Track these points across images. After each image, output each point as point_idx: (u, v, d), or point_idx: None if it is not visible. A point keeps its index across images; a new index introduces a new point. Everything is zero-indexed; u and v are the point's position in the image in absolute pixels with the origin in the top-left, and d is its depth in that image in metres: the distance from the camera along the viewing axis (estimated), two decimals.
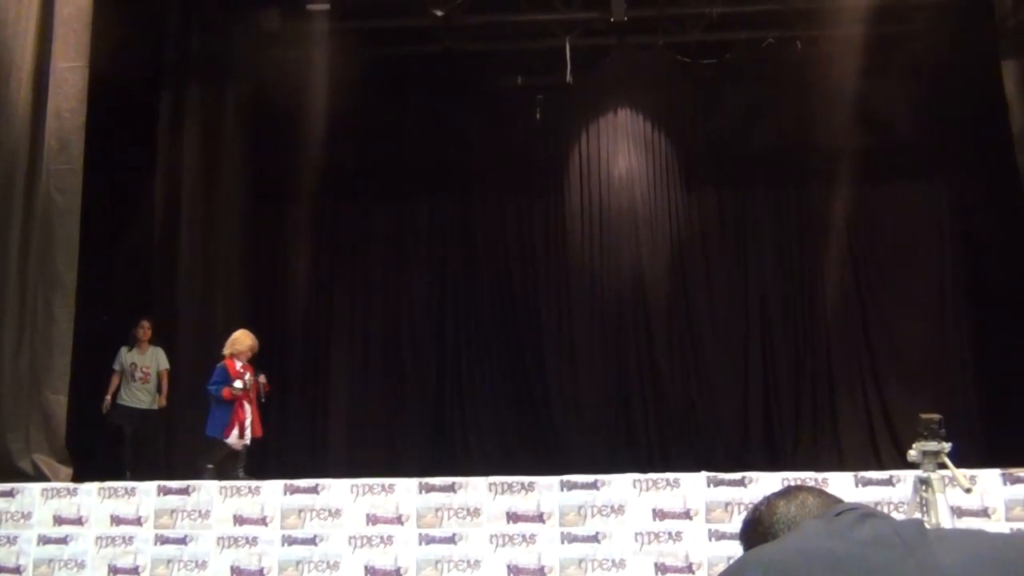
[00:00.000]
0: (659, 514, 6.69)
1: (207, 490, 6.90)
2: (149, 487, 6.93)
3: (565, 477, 6.77)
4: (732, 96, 10.71)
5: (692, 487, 6.70)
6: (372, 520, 6.77)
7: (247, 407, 8.26)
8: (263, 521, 6.81)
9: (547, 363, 10.32)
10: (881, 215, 10.34)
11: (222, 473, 7.84)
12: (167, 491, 6.91)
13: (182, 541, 6.77)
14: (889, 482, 6.32)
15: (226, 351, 8.36)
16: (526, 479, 6.80)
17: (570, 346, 10.29)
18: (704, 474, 6.76)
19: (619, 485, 6.72)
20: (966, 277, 10.05)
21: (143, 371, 8.93)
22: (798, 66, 10.25)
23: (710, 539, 6.57)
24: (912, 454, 4.63)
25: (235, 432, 8.13)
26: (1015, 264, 9.06)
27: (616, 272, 10.38)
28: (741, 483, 6.63)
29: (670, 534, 6.59)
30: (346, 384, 10.43)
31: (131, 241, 9.75)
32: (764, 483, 6.46)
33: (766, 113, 10.70)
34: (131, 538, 6.79)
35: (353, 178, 10.62)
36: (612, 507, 6.69)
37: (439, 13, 9.78)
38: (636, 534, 6.61)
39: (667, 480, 6.74)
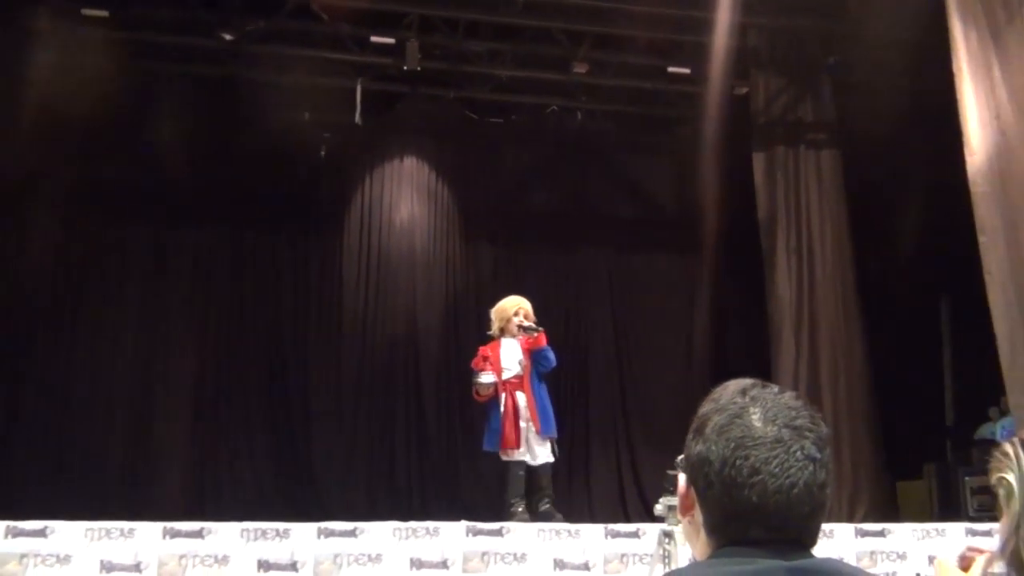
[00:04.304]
0: (416, 563, 6.62)
1: None
2: None
3: (323, 524, 6.55)
4: (514, 156, 11.08)
5: (451, 536, 6.70)
6: (106, 567, 6.24)
7: (522, 400, 6.41)
8: None
9: (312, 406, 10.02)
10: (641, 283, 11.00)
11: (533, 507, 6.34)
12: None
13: None
14: (635, 535, 6.61)
15: (493, 330, 6.58)
16: (281, 525, 6.52)
17: (337, 390, 10.06)
18: (464, 523, 6.79)
19: (378, 533, 6.60)
20: (711, 346, 10.84)
21: None
22: (577, 135, 10.83)
23: None
24: (658, 508, 4.88)
25: (514, 441, 6.31)
26: (753, 336, 9.92)
27: (390, 318, 10.33)
28: (499, 533, 6.72)
29: None
30: (87, 416, 9.58)
31: None
32: (521, 533, 6.58)
33: (544, 176, 11.14)
34: None
35: (112, 197, 9.85)
36: (370, 556, 6.55)
37: (228, 37, 9.51)
38: None
39: (427, 529, 6.71)
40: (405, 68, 9.56)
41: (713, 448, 1.22)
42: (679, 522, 4.86)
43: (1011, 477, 1.45)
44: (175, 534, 6.40)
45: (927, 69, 8.50)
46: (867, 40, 9.27)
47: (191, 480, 9.56)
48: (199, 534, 6.43)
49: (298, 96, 10.33)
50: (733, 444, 1.20)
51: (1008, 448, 1.48)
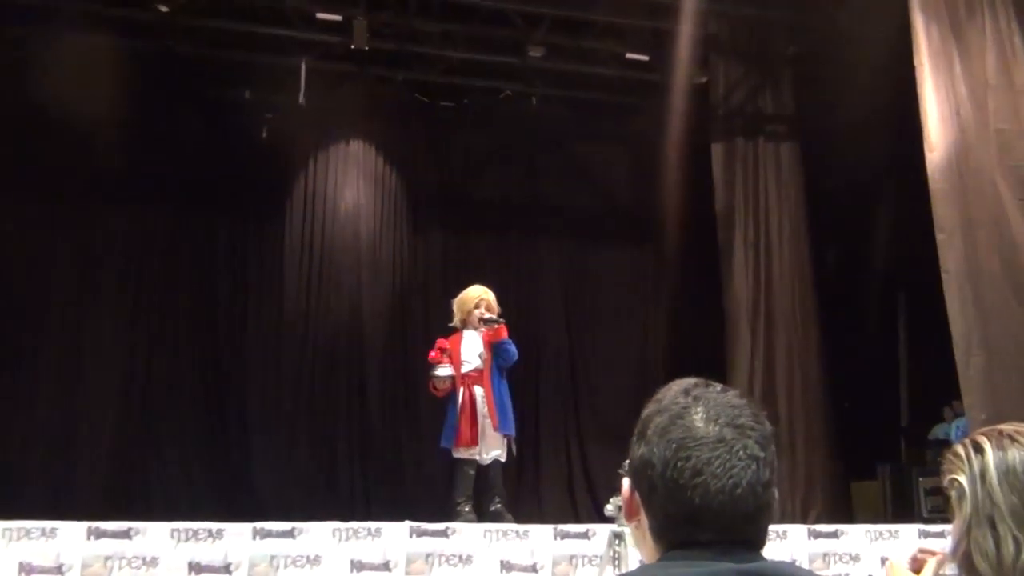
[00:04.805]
0: (357, 565, 6.32)
1: None
2: None
3: (259, 524, 6.20)
4: (466, 142, 10.77)
5: (394, 537, 6.40)
6: (26, 570, 5.81)
7: (480, 395, 6.17)
8: None
9: (249, 399, 9.59)
10: (595, 275, 10.79)
11: (484, 506, 6.10)
12: None
13: None
14: (585, 535, 6.39)
15: (454, 321, 6.31)
16: (214, 526, 6.15)
17: (276, 382, 9.64)
18: (407, 523, 6.49)
19: (317, 534, 6.28)
20: (666, 340, 10.66)
21: None
22: (532, 121, 10.55)
23: None
24: (609, 509, 4.64)
25: (468, 438, 6.09)
26: (709, 330, 9.74)
27: (333, 309, 9.94)
28: (444, 534, 6.43)
29: None
30: (5, 407, 9.01)
31: None
32: (467, 534, 6.31)
33: (497, 163, 10.86)
34: None
35: (37, 175, 9.28)
36: (308, 557, 6.23)
37: (164, 9, 9.08)
38: None
39: (368, 529, 6.39)
40: (352, 47, 9.25)
41: (655, 450, 1.20)
42: None
43: (963, 479, 1.44)
44: (100, 534, 6.02)
45: (889, 63, 8.38)
46: (829, 32, 9.16)
47: (118, 477, 9.06)
48: (126, 534, 6.06)
49: (239, 74, 9.90)
50: (675, 445, 1.19)
51: (960, 449, 1.47)
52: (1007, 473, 1.40)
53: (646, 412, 1.26)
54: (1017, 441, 1.43)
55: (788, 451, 8.99)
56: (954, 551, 1.46)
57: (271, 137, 10.03)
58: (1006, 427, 1.47)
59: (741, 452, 1.17)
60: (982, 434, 1.47)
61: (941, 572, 1.66)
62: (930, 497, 8.42)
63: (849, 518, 9.17)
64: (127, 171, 9.65)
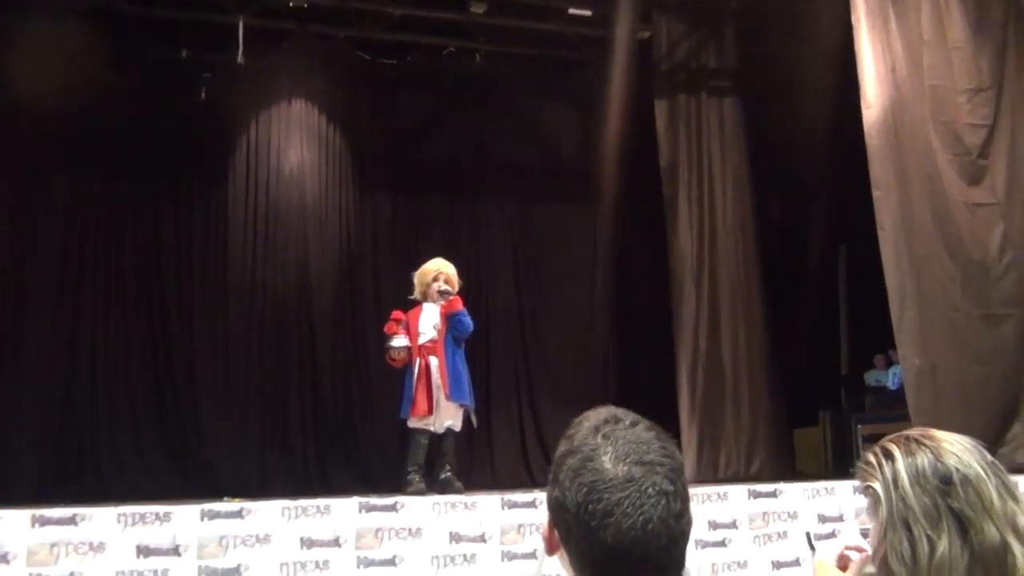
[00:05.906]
0: (307, 542, 6.41)
1: None
2: None
3: (207, 506, 6.25)
4: (410, 100, 10.51)
5: (343, 513, 6.49)
6: None
7: (435, 365, 6.35)
8: None
9: (197, 369, 9.49)
10: (543, 233, 10.74)
11: (435, 474, 6.30)
12: None
13: None
14: (532, 504, 6.52)
15: (415, 294, 6.49)
16: (161, 508, 6.19)
17: (224, 351, 9.54)
18: (356, 499, 6.58)
19: (266, 513, 6.34)
20: (614, 298, 10.69)
21: None
22: (476, 78, 10.37)
23: (359, 566, 6.40)
24: None
25: (424, 408, 6.28)
26: (656, 287, 9.81)
27: (280, 272, 9.76)
28: (393, 508, 6.53)
29: (317, 563, 6.34)
30: None
31: None
32: (416, 507, 6.42)
33: (443, 121, 10.65)
34: None
35: None
36: (258, 536, 6.29)
37: None
38: (282, 564, 6.28)
39: (317, 507, 6.47)
40: (291, 3, 8.96)
41: (567, 494, 1.24)
42: None
43: (877, 486, 1.50)
44: (45, 521, 6.01)
45: (831, 18, 8.34)
46: None
47: (62, 454, 8.93)
48: (72, 520, 6.06)
49: (174, 32, 9.58)
50: (585, 489, 1.22)
51: (871, 458, 1.53)
52: (917, 476, 1.45)
53: (559, 452, 1.29)
54: (924, 445, 1.48)
55: (733, 402, 9.20)
56: (874, 555, 1.53)
57: (210, 97, 9.78)
58: (913, 432, 1.53)
59: (650, 489, 1.21)
60: (891, 441, 1.53)
61: (865, 571, 1.73)
62: (868, 443, 8.67)
63: (792, 464, 9.45)
64: (62, 134, 9.33)
